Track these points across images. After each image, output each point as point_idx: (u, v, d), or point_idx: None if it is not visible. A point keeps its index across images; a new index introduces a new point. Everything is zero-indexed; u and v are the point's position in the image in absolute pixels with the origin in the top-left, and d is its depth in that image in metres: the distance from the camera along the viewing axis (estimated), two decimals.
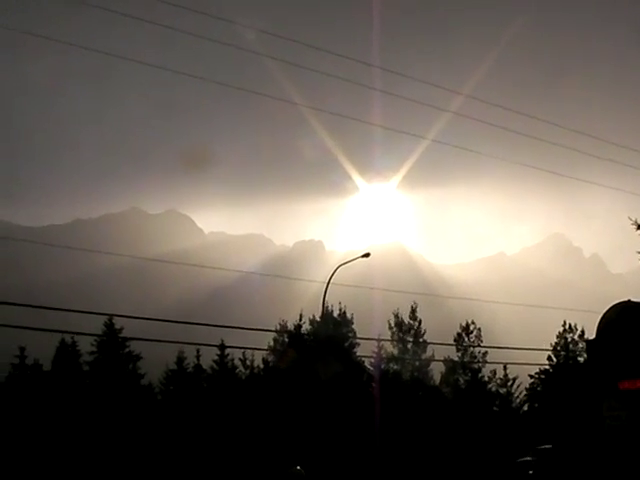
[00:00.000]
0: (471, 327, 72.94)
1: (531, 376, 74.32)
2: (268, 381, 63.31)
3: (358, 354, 68.04)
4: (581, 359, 71.52)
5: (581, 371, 65.61)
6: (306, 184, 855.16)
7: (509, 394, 74.25)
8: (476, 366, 72.51)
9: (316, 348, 61.24)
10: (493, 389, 73.68)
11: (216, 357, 66.50)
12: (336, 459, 50.63)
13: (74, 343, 64.81)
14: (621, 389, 28.57)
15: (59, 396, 57.66)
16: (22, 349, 62.72)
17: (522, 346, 54.73)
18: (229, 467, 51.93)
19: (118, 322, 63.64)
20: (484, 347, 71.76)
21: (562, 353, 74.88)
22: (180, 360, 65.66)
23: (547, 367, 74.08)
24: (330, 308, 65.96)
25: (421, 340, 70.25)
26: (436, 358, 70.54)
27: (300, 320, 67.81)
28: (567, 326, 75.87)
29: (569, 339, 75.37)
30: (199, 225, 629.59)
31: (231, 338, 58.92)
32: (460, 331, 72.82)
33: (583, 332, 70.15)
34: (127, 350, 64.70)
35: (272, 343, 67.41)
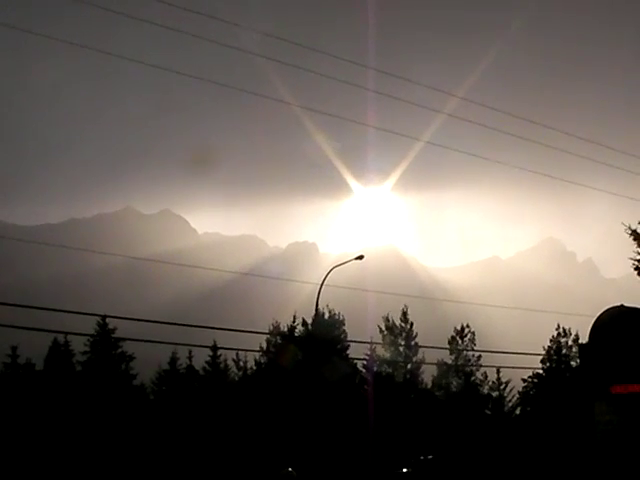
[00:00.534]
0: (465, 330, 72.95)
1: (524, 380, 74.35)
2: (261, 382, 63.28)
3: (350, 356, 68.00)
4: (574, 363, 71.58)
5: (574, 375, 65.74)
6: (301, 186, 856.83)
7: (501, 397, 74.28)
8: (469, 369, 72.55)
9: (309, 350, 61.22)
10: (486, 392, 73.72)
11: (209, 358, 66.48)
12: (329, 461, 50.62)
13: (67, 343, 64.76)
14: (613, 393, 28.61)
15: (51, 396, 57.57)
16: (14, 348, 62.53)
17: (516, 350, 54.68)
18: (221, 468, 51.89)
19: (111, 322, 63.57)
20: (478, 351, 71.82)
21: (555, 357, 74.93)
22: (173, 361, 65.64)
23: (540, 371, 74.13)
24: (322, 310, 65.95)
25: (413, 343, 70.21)
26: (428, 361, 70.51)
27: (293, 322, 67.82)
28: (561, 330, 75.89)
29: (563, 343, 75.40)
30: (193, 225, 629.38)
31: (224, 339, 58.86)
32: (454, 334, 72.83)
33: (577, 337, 70.16)
34: (120, 350, 64.62)
35: (265, 345, 67.33)
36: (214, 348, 64.94)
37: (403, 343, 70.33)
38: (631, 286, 49.12)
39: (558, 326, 76.18)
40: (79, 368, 64.30)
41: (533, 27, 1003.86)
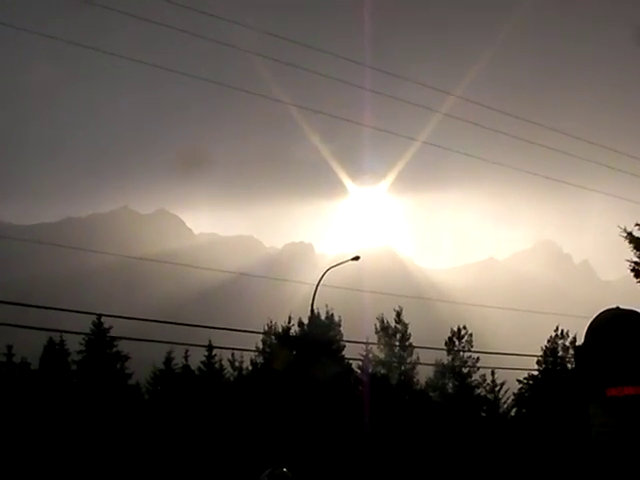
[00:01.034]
0: (462, 332, 72.94)
1: (519, 381, 74.38)
2: (256, 383, 63.29)
3: (346, 357, 68.00)
4: (570, 365, 71.60)
5: (569, 377, 65.75)
6: (297, 186, 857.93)
7: (496, 399, 74.32)
8: (466, 371, 72.56)
9: (304, 350, 61.26)
10: (482, 394, 73.74)
11: (204, 358, 66.49)
12: (324, 461, 50.65)
13: (62, 342, 64.76)
14: (608, 396, 28.57)
15: (47, 395, 57.56)
16: (9, 347, 62.48)
17: (511, 351, 54.73)
18: (216, 468, 51.91)
19: (107, 321, 63.56)
20: (474, 352, 71.80)
21: (551, 359, 74.98)
22: (168, 360, 65.62)
23: (536, 373, 74.16)
24: (318, 311, 66.00)
25: (407, 344, 70.20)
26: (423, 362, 70.49)
27: (289, 322, 67.82)
28: (559, 332, 75.91)
29: (559, 345, 75.46)
30: (189, 225, 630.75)
31: (220, 339, 58.87)
32: (451, 335, 72.81)
33: (575, 339, 70.07)
34: (115, 350, 64.64)
35: (260, 345, 67.32)
36: (209, 348, 64.95)
37: (398, 344, 70.34)
38: (628, 288, 49.20)
39: (557, 328, 76.20)
40: (74, 367, 64.34)
41: (531, 26, 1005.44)
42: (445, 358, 71.97)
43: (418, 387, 71.20)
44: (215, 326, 39.09)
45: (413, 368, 70.77)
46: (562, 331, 75.36)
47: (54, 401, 56.88)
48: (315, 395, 53.60)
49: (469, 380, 72.58)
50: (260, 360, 67.06)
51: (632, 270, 44.44)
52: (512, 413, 75.24)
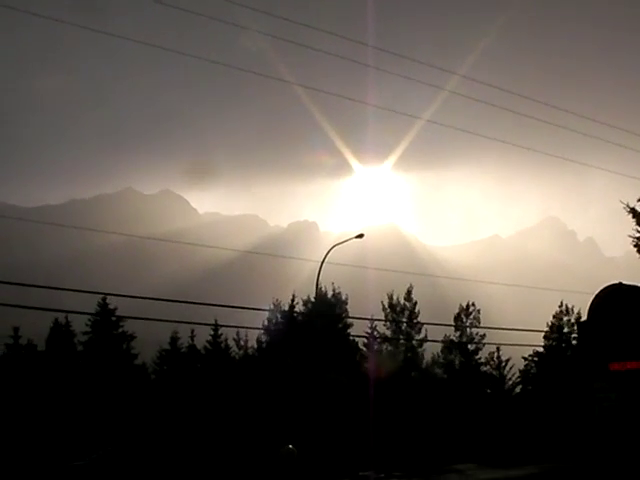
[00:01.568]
0: (470, 308, 73.04)
1: (525, 358, 74.54)
2: (262, 362, 63.46)
3: (352, 334, 68.12)
4: (575, 342, 71.74)
5: (574, 353, 65.95)
6: (301, 165, 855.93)
7: (502, 376, 74.48)
8: (472, 347, 72.71)
9: (310, 328, 61.36)
10: (488, 371, 73.92)
11: (210, 337, 66.64)
12: (329, 438, 50.84)
13: (68, 323, 64.91)
14: (611, 370, 28.81)
15: (53, 376, 57.75)
16: (16, 329, 62.60)
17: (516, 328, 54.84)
18: (223, 446, 52.10)
19: (112, 302, 63.70)
20: (483, 328, 71.91)
21: (556, 335, 75.09)
22: (174, 340, 65.71)
23: (541, 350, 74.31)
24: (324, 289, 66.06)
25: (415, 321, 70.23)
26: (430, 339, 70.59)
27: (293, 301, 67.92)
28: (563, 307, 75.99)
29: (564, 321, 75.57)
30: (194, 205, 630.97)
31: (225, 318, 59.09)
32: (459, 311, 72.91)
33: (580, 315, 70.06)
34: (121, 330, 64.80)
35: (266, 323, 67.41)
36: (215, 326, 65.10)
37: (405, 321, 70.39)
38: (632, 264, 49.25)
39: (561, 304, 76.31)
40: (80, 348, 64.50)
41: (535, 4, 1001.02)
42: (452, 335, 72.16)
43: (425, 364, 71.37)
44: (220, 304, 39.18)
45: (420, 345, 70.90)
46: (567, 307, 75.47)
47: (61, 382, 57.07)
48: (321, 373, 53.68)
49: (475, 357, 72.79)
50: (266, 339, 67.23)
51: (635, 245, 44.46)
52: (517, 390, 75.47)
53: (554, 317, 75.95)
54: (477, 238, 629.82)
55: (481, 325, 72.29)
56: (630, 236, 44.91)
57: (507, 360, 74.27)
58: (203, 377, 61.76)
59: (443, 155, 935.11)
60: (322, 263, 50.85)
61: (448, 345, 72.09)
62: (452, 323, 71.55)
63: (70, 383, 57.40)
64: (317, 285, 55.19)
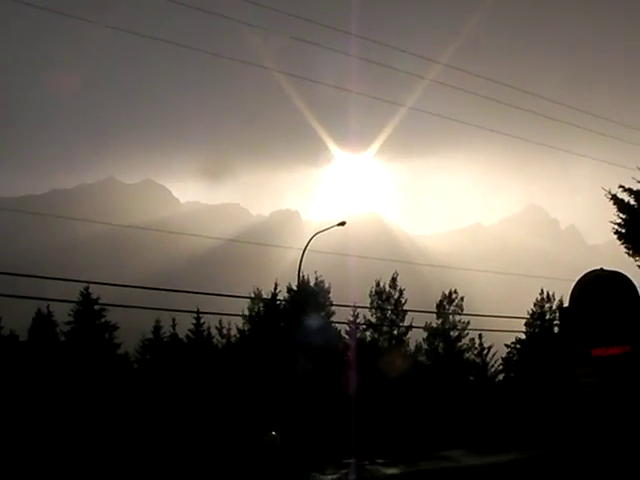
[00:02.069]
0: (453, 295, 73.39)
1: (507, 346, 74.92)
2: (244, 350, 63.48)
3: (335, 323, 68.20)
4: (557, 329, 72.11)
5: (556, 340, 66.25)
6: (283, 154, 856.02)
7: (484, 363, 74.86)
8: (455, 334, 73.05)
9: (293, 317, 61.41)
10: (470, 358, 74.28)
11: (192, 326, 66.64)
12: (313, 426, 50.93)
13: (50, 313, 64.79)
14: (593, 356, 28.89)
15: (36, 367, 57.61)
16: None
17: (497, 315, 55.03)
18: (206, 434, 52.16)
19: (95, 292, 63.59)
20: (465, 315, 72.26)
21: (538, 322, 75.49)
22: (156, 329, 65.70)
23: (523, 337, 74.72)
24: (306, 277, 66.09)
25: (400, 309, 70.42)
26: (414, 326, 70.83)
27: (276, 289, 67.92)
28: (544, 295, 76.46)
29: (546, 308, 75.99)
30: (175, 195, 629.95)
31: (208, 307, 59.01)
32: (442, 299, 73.28)
33: (561, 302, 70.46)
34: (103, 320, 64.71)
35: (247, 312, 67.40)
36: (197, 314, 65.01)
37: (390, 308, 70.56)
38: (614, 253, 49.56)
39: (542, 291, 76.78)
40: (63, 338, 64.39)
41: None
42: (435, 322, 72.52)
43: (409, 352, 71.61)
44: (202, 291, 39.17)
45: (405, 332, 71.12)
46: (548, 294, 75.94)
47: (43, 372, 56.92)
48: (303, 362, 53.74)
49: (458, 344, 73.15)
50: (247, 327, 67.23)
51: (616, 232, 44.73)
52: (500, 377, 75.90)
53: (535, 305, 76.41)
54: (459, 226, 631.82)
55: (464, 312, 72.73)
56: (611, 222, 45.20)
57: (489, 347, 74.72)
58: (186, 366, 61.77)
59: (426, 143, 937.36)
60: (304, 251, 50.93)
61: (431, 332, 72.42)
62: (434, 311, 72.00)
63: (53, 373, 57.26)
64: (299, 273, 55.26)
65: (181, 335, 66.36)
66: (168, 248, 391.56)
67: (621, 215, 44.63)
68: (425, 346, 72.73)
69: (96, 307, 63.88)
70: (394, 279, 71.32)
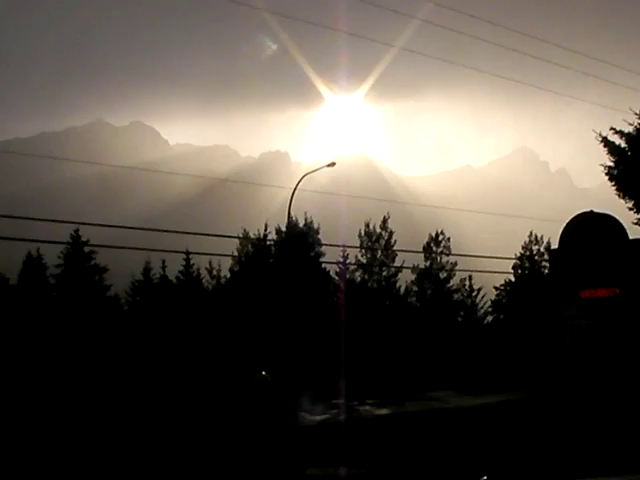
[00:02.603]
0: (440, 237, 73.49)
1: (496, 288, 75.20)
2: (234, 291, 63.59)
3: (324, 264, 68.29)
4: (545, 271, 72.37)
5: (545, 281, 66.54)
6: (272, 95, 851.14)
7: (473, 304, 75.21)
8: (444, 275, 73.26)
9: (282, 257, 61.51)
10: (459, 299, 74.58)
11: (182, 267, 66.74)
12: (303, 367, 51.18)
13: (40, 256, 64.83)
14: (582, 298, 29.00)
15: (26, 310, 57.66)
16: None
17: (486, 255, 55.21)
18: (197, 375, 52.37)
19: (84, 234, 63.50)
20: (453, 255, 72.48)
21: (527, 264, 75.74)
22: (146, 271, 65.81)
23: (512, 279, 74.97)
24: (295, 219, 66.05)
25: (390, 250, 70.52)
26: (403, 266, 71.00)
27: (265, 230, 67.93)
28: (533, 237, 76.63)
29: (534, 251, 76.21)
30: (164, 137, 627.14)
31: (197, 249, 59.02)
32: (429, 240, 73.36)
33: (549, 244, 70.67)
34: (93, 262, 64.73)
35: (236, 253, 67.44)
36: (187, 255, 65.02)
37: (380, 249, 70.67)
38: (603, 196, 49.58)
39: (530, 233, 76.93)
40: (53, 281, 64.50)
41: None
42: (423, 263, 72.65)
43: (399, 293, 71.84)
44: (191, 232, 39.16)
45: (395, 274, 71.30)
46: (536, 237, 76.10)
47: (34, 316, 57.00)
48: (294, 303, 53.93)
49: (447, 285, 73.35)
50: (237, 269, 67.32)
51: (606, 174, 44.73)
52: (489, 319, 76.27)
53: (523, 247, 76.61)
54: (449, 168, 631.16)
55: (451, 253, 72.93)
56: (602, 165, 45.19)
57: (479, 289, 74.99)
58: (176, 307, 61.94)
59: (416, 84, 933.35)
60: (294, 191, 50.84)
61: (420, 273, 72.57)
62: (422, 251, 72.11)
63: (43, 316, 57.36)
64: (289, 213, 55.23)
65: (171, 277, 66.50)
66: (158, 190, 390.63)
67: (612, 158, 44.60)
68: (414, 288, 72.93)
69: (86, 249, 63.89)
70: (385, 220, 71.29)
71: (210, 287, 67.61)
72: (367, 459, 27.20)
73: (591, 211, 31.35)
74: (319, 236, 68.82)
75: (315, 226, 69.03)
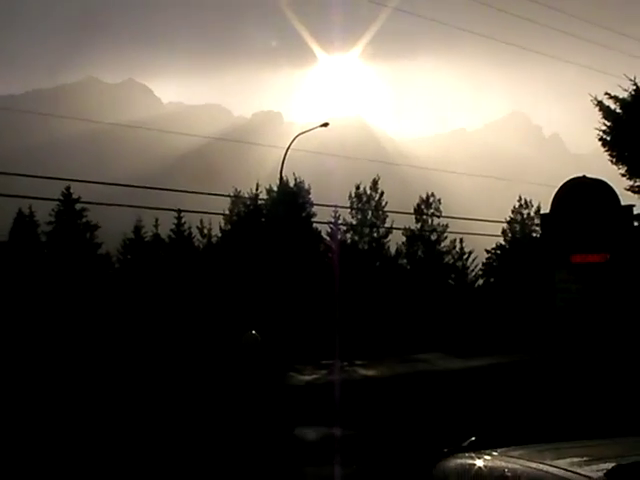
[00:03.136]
0: (431, 199, 73.49)
1: (487, 251, 75.29)
2: (225, 250, 63.59)
3: (316, 223, 68.25)
4: (535, 235, 72.46)
5: (535, 246, 66.65)
6: (266, 54, 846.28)
7: (464, 267, 75.33)
8: (434, 238, 73.28)
9: (273, 218, 61.45)
10: (450, 262, 74.67)
11: (173, 226, 66.67)
12: (293, 327, 51.29)
13: (32, 214, 64.71)
14: (573, 263, 29.05)
15: (17, 267, 57.61)
16: None
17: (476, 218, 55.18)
18: (187, 334, 52.46)
19: (76, 191, 63.33)
20: (444, 217, 72.46)
21: (517, 228, 75.86)
22: (137, 229, 65.75)
23: (503, 243, 75.05)
24: (286, 178, 65.98)
25: (380, 211, 70.51)
26: (395, 232, 71.03)
27: (257, 190, 67.84)
28: (523, 201, 76.70)
29: (525, 215, 76.30)
30: (157, 95, 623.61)
31: (189, 208, 58.93)
32: (420, 202, 73.34)
33: (539, 208, 70.75)
34: (85, 220, 64.64)
35: (227, 212, 67.36)
36: (178, 213, 64.74)
37: (371, 210, 70.67)
38: (596, 162, 49.55)
39: (520, 197, 77.01)
40: (44, 239, 64.44)
41: None
42: (414, 226, 72.65)
43: (389, 254, 71.90)
44: (183, 189, 39.01)
45: (385, 235, 71.32)
46: (526, 201, 76.16)
47: (24, 273, 56.95)
48: (284, 263, 53.95)
49: (438, 248, 73.38)
50: (228, 227, 67.32)
51: (600, 139, 44.66)
52: (480, 282, 76.43)
53: (513, 211, 76.72)
54: (443, 131, 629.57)
55: (442, 215, 72.91)
56: (596, 129, 45.10)
57: (470, 252, 75.06)
58: (167, 266, 61.93)
59: (411, 45, 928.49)
60: (286, 151, 50.62)
61: (410, 235, 72.58)
62: (413, 213, 72.07)
63: (34, 274, 57.33)
64: (281, 173, 55.01)
65: (163, 235, 66.46)
66: (150, 148, 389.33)
67: (606, 122, 44.52)
68: (405, 250, 72.98)
69: (77, 207, 63.77)
70: (375, 181, 71.28)
71: (201, 246, 67.62)
72: (355, 420, 27.31)
73: (584, 176, 31.33)
74: (310, 196, 68.80)
75: (306, 186, 68.98)
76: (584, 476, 5.09)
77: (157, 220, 65.44)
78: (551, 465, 5.37)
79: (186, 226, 67.05)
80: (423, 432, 22.43)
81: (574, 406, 17.84)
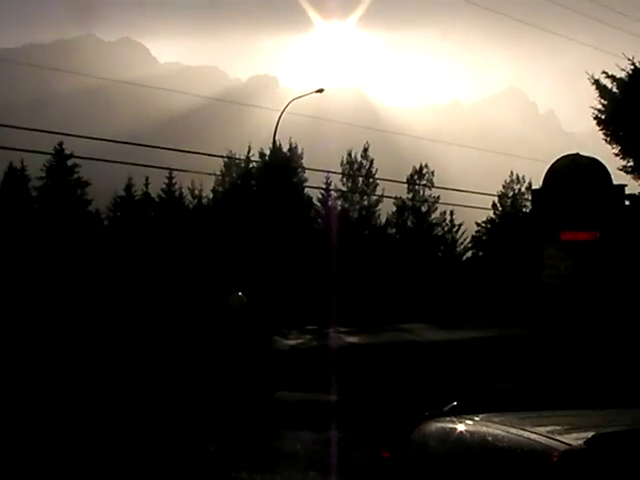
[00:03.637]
0: (424, 170, 73.37)
1: (478, 224, 75.21)
2: (215, 212, 63.47)
3: (307, 188, 68.16)
4: (526, 210, 72.43)
5: (525, 221, 66.68)
6: (264, 17, 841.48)
7: (454, 240, 75.30)
8: (425, 209, 73.23)
9: (264, 181, 61.30)
10: (440, 234, 74.63)
11: (164, 186, 66.45)
12: (280, 292, 51.31)
13: (23, 168, 64.52)
14: (562, 239, 29.10)
15: (6, 220, 57.47)
16: None
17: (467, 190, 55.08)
18: (174, 294, 52.47)
19: (68, 147, 63.00)
20: (436, 188, 72.27)
21: (508, 203, 75.86)
22: (128, 187, 65.56)
23: (493, 217, 74.98)
24: (279, 143, 65.74)
25: (371, 179, 70.44)
26: (385, 201, 70.94)
27: (248, 152, 67.70)
28: (514, 176, 76.70)
29: (516, 190, 76.30)
30: (154, 54, 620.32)
31: (181, 167, 58.74)
32: (412, 173, 73.19)
33: (530, 184, 70.68)
34: (76, 176, 64.47)
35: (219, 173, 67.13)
36: (170, 171, 64.16)
37: (361, 177, 70.62)
38: (590, 141, 49.56)
39: (511, 173, 76.98)
40: (35, 194, 64.32)
41: None
42: (405, 196, 72.54)
43: (379, 224, 71.88)
44: (175, 148, 38.74)
45: (376, 204, 71.27)
46: (517, 176, 76.11)
47: (14, 226, 56.82)
48: (274, 227, 53.86)
49: (428, 219, 73.32)
50: (219, 189, 67.18)
51: (595, 118, 44.54)
52: (468, 255, 76.46)
53: (504, 186, 76.72)
54: (438, 103, 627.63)
55: (434, 186, 72.76)
56: (592, 107, 44.97)
57: (460, 224, 74.99)
58: (157, 225, 61.81)
59: (409, 16, 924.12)
60: (280, 115, 50.34)
61: (401, 205, 72.48)
62: (405, 182, 71.94)
63: (23, 227, 57.21)
64: (275, 137, 54.68)
65: (153, 194, 66.29)
66: (144, 107, 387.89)
67: (602, 101, 44.38)
68: (395, 219, 72.93)
69: (69, 163, 63.58)
70: (366, 149, 71.30)
71: (191, 206, 67.45)
72: (338, 386, 27.39)
73: (577, 154, 31.33)
74: (302, 161, 68.70)
75: (299, 151, 68.86)
76: (564, 443, 5.13)
77: (147, 179, 65.19)
78: (532, 432, 5.40)
79: (177, 186, 66.85)
80: (405, 399, 22.50)
81: (557, 378, 17.90)
